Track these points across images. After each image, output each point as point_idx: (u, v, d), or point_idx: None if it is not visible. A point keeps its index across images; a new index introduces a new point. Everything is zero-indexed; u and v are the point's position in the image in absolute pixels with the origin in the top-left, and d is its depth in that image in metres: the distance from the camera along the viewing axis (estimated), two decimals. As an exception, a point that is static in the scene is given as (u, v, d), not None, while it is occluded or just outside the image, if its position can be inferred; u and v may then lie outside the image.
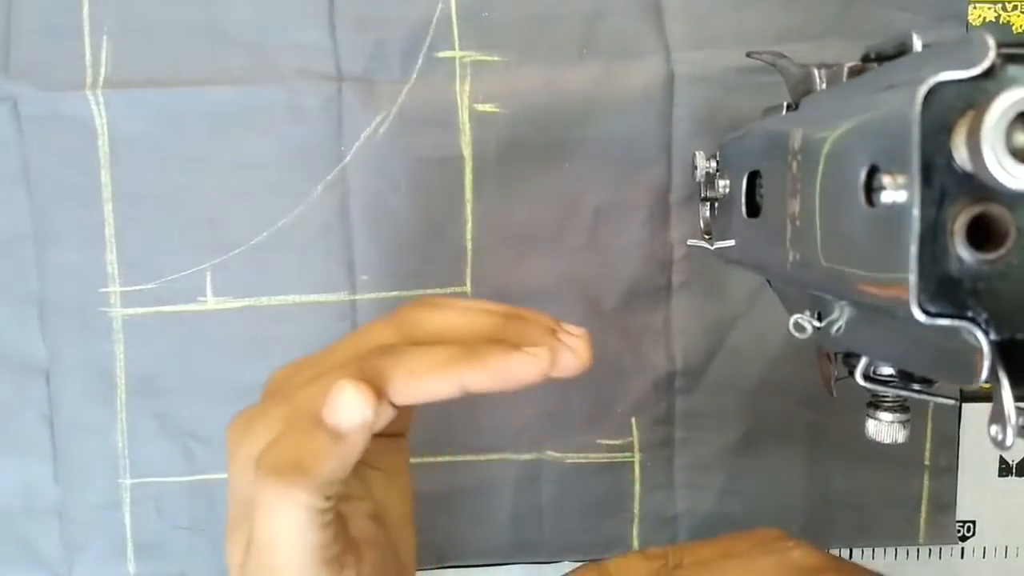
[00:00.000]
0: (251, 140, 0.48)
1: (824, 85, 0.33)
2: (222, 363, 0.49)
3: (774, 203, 0.32)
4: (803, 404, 0.50)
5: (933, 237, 0.21)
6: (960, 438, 0.51)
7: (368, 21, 0.48)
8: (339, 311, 0.49)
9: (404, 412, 0.30)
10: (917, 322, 0.21)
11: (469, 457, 0.51)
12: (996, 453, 0.51)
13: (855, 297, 0.26)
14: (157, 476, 0.50)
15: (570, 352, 0.30)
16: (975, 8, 0.49)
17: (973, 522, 0.52)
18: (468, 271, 0.49)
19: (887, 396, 0.33)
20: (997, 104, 0.19)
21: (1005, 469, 0.52)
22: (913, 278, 0.21)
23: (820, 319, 0.32)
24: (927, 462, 0.51)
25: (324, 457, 0.27)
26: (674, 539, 0.51)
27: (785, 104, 0.35)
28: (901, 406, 0.33)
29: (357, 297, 0.49)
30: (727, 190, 0.39)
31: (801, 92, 0.34)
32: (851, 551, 0.52)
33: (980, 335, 0.21)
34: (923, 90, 0.21)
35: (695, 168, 0.42)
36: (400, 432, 0.35)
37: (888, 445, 0.33)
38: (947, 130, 0.21)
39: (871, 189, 0.23)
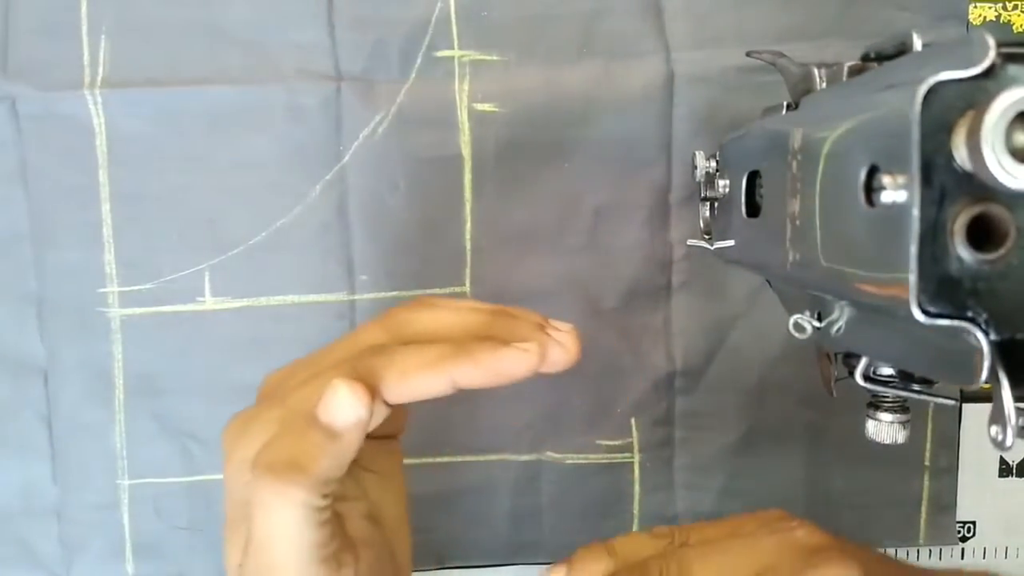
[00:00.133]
0: (250, 140, 0.48)
1: (824, 85, 0.33)
2: (221, 363, 0.49)
3: (774, 203, 0.32)
4: (803, 404, 0.50)
5: (933, 237, 0.21)
6: (960, 438, 0.51)
7: (367, 21, 0.48)
8: (338, 311, 0.49)
9: (397, 414, 0.31)
10: (917, 322, 0.21)
11: (469, 458, 0.50)
12: (996, 453, 0.51)
13: (855, 297, 0.26)
14: (155, 476, 0.50)
15: (559, 347, 0.31)
16: (975, 7, 0.49)
17: (973, 523, 0.52)
18: (467, 271, 0.49)
19: (887, 396, 0.33)
20: (997, 104, 0.19)
21: (1005, 469, 0.52)
22: (913, 278, 0.21)
23: (820, 319, 0.32)
24: (927, 463, 0.51)
25: (320, 455, 0.28)
26: (674, 539, 0.51)
27: (785, 104, 0.35)
28: (901, 406, 0.33)
29: (356, 297, 0.49)
30: (727, 190, 0.39)
31: (801, 92, 0.34)
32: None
33: (980, 335, 0.21)
34: (923, 89, 0.21)
35: (695, 168, 0.42)
36: (393, 434, 0.35)
37: (888, 445, 0.33)
38: (947, 130, 0.21)
39: (871, 189, 0.23)
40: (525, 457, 0.51)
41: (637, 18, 0.48)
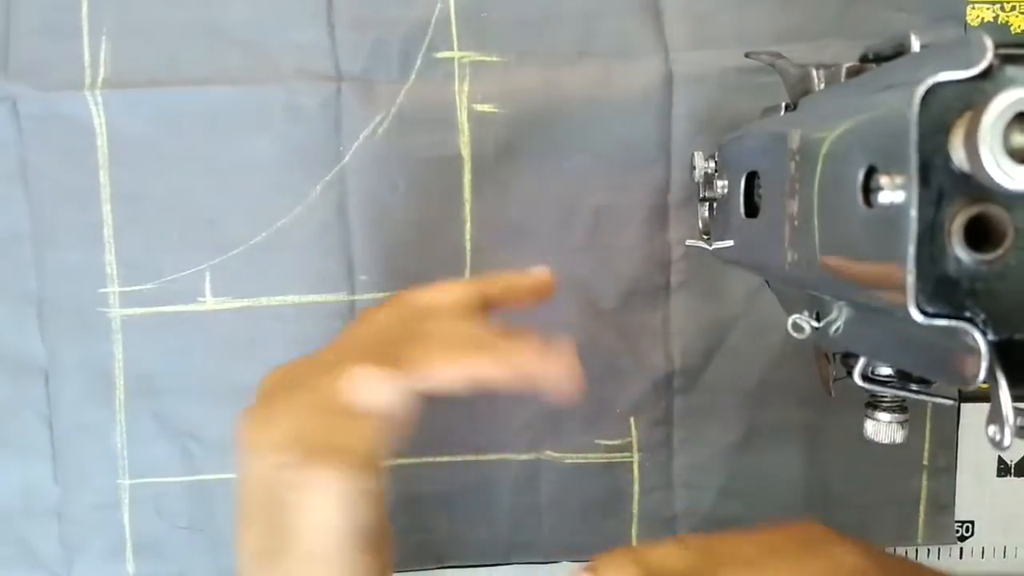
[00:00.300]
0: (250, 140, 0.48)
1: (822, 85, 0.33)
2: (221, 363, 0.49)
3: (772, 203, 0.32)
4: (802, 404, 0.50)
5: (931, 237, 0.21)
6: (958, 438, 0.51)
7: (367, 21, 0.48)
8: (338, 311, 0.49)
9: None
10: (915, 322, 0.21)
11: (468, 457, 0.51)
12: (994, 453, 0.51)
13: (853, 297, 0.26)
14: (156, 476, 0.50)
15: (569, 375, 0.32)
16: (973, 8, 0.49)
17: (972, 522, 0.52)
18: (467, 271, 0.49)
19: (885, 396, 0.33)
20: (995, 105, 0.19)
21: (1004, 469, 0.52)
22: (911, 278, 0.21)
23: (818, 319, 0.32)
24: (925, 462, 0.51)
25: (365, 438, 0.28)
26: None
27: (784, 104, 0.35)
28: (899, 406, 0.33)
29: (356, 297, 0.49)
30: (726, 190, 0.39)
31: (800, 92, 0.34)
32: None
33: (978, 335, 0.21)
34: (921, 90, 0.21)
35: (694, 168, 0.42)
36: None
37: (886, 445, 0.34)
38: (945, 131, 0.21)
39: (869, 189, 0.23)
40: (524, 457, 0.51)
41: (636, 19, 0.48)
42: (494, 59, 0.48)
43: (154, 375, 0.49)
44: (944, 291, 0.21)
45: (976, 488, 0.52)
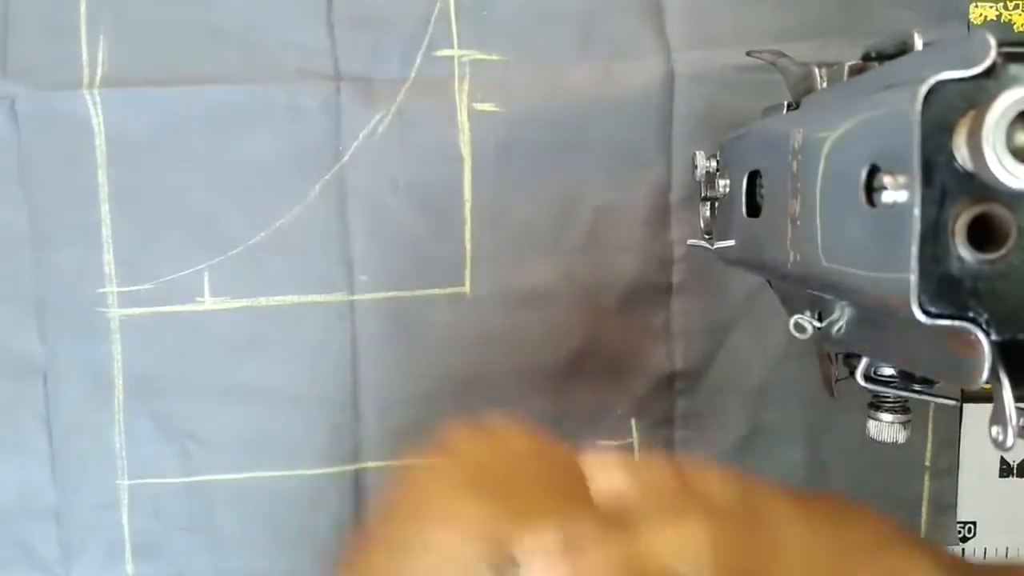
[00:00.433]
0: (249, 140, 0.48)
1: (825, 84, 0.33)
2: (220, 363, 0.49)
3: (774, 203, 0.32)
4: (803, 405, 0.50)
5: (934, 237, 0.21)
6: (961, 439, 0.51)
7: (366, 20, 0.48)
8: (338, 311, 0.49)
9: None
10: (918, 322, 0.21)
11: (468, 458, 0.50)
12: (997, 454, 0.51)
13: (855, 297, 0.26)
14: (155, 477, 0.50)
15: None
16: (976, 7, 0.49)
17: (974, 523, 0.52)
18: (467, 271, 0.49)
19: (888, 396, 0.33)
20: (998, 103, 0.19)
21: (1006, 470, 0.52)
22: (914, 278, 0.21)
23: (821, 319, 0.32)
24: (928, 463, 0.51)
25: None
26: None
27: (785, 103, 0.35)
28: (902, 406, 0.33)
29: (356, 297, 0.49)
30: (727, 190, 0.39)
31: (802, 91, 0.34)
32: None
33: (981, 335, 0.21)
34: (924, 89, 0.20)
35: (695, 168, 0.42)
36: None
37: (889, 445, 0.33)
38: (948, 130, 0.20)
39: (872, 189, 0.23)
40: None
41: (637, 18, 0.48)
42: (494, 58, 0.48)
43: (153, 375, 0.49)
44: (947, 291, 0.21)
45: (978, 489, 0.52)
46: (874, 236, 0.23)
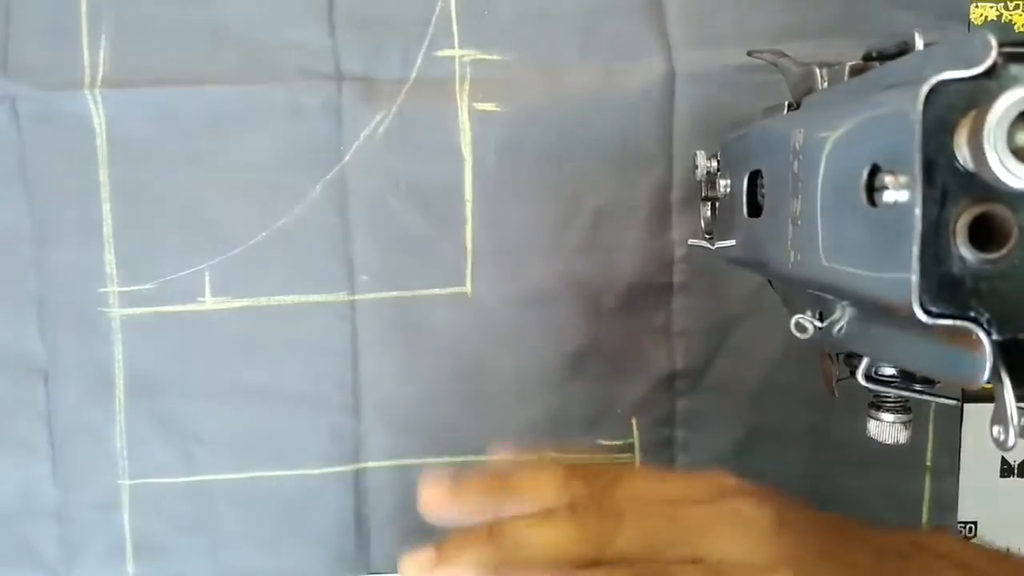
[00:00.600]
0: (250, 140, 0.48)
1: (825, 84, 0.33)
2: (221, 363, 0.49)
3: (775, 203, 0.32)
4: (804, 404, 0.50)
5: (935, 237, 0.21)
6: (962, 439, 0.51)
7: (368, 20, 0.48)
8: (338, 311, 0.49)
9: None
10: (919, 322, 0.21)
11: (470, 458, 0.50)
12: (998, 454, 0.51)
13: (856, 297, 0.26)
14: (156, 477, 0.50)
15: None
16: (976, 7, 0.49)
17: (975, 523, 0.52)
18: (468, 271, 0.49)
19: (889, 396, 0.33)
20: (999, 103, 0.19)
21: (1007, 470, 0.52)
22: (915, 278, 0.21)
23: (822, 319, 0.32)
24: (928, 463, 0.51)
25: None
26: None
27: (786, 103, 0.35)
28: (903, 406, 0.33)
29: (356, 297, 0.49)
30: (728, 189, 0.39)
31: (802, 91, 0.34)
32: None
33: (982, 335, 0.21)
34: (925, 89, 0.20)
35: (696, 167, 0.42)
36: None
37: (889, 446, 0.33)
38: (949, 130, 0.20)
39: (873, 189, 0.23)
40: (526, 457, 0.50)
41: (638, 17, 0.48)
42: (495, 58, 0.48)
43: (154, 375, 0.49)
44: (948, 291, 0.21)
45: (979, 489, 0.52)
46: (875, 236, 0.23)
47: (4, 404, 0.49)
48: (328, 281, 0.49)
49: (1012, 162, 0.19)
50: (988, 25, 0.49)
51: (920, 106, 0.20)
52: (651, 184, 0.49)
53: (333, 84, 0.48)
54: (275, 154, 0.48)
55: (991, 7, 0.49)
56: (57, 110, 0.47)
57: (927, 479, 0.51)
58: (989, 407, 0.22)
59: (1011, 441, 0.22)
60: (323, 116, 0.48)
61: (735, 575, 0.27)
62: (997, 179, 0.19)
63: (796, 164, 0.29)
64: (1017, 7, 0.49)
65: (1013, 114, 0.19)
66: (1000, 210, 0.21)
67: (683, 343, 0.50)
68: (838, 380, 0.35)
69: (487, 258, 0.49)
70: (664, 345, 0.50)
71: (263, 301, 0.49)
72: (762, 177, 0.35)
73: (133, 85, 0.47)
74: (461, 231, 0.49)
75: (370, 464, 0.50)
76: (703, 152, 0.42)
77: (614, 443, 0.50)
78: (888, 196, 0.22)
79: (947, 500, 0.51)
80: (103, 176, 0.48)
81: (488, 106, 0.48)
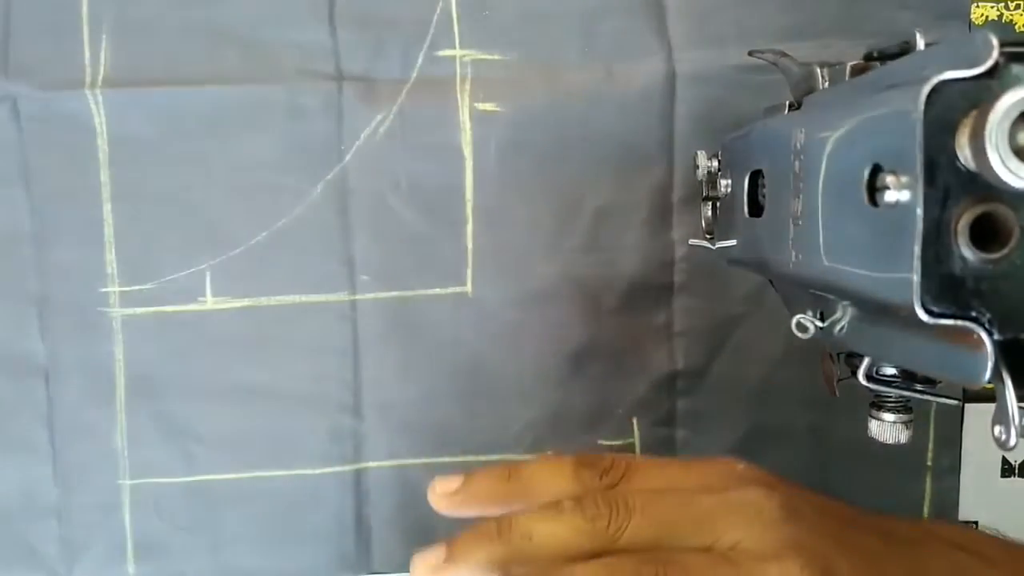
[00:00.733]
0: (251, 140, 0.48)
1: (826, 84, 0.33)
2: (222, 363, 0.49)
3: (776, 203, 0.32)
4: (805, 404, 0.50)
5: (936, 237, 0.21)
6: (963, 439, 0.51)
7: (368, 20, 0.48)
8: (339, 311, 0.49)
9: None
10: (920, 322, 0.21)
11: (470, 457, 0.50)
12: (999, 454, 0.51)
13: (858, 297, 0.26)
14: (156, 477, 0.50)
15: None
16: (977, 7, 0.49)
17: (975, 523, 0.52)
18: (468, 271, 0.49)
19: (890, 396, 0.33)
20: (1001, 103, 0.19)
21: (1008, 470, 0.52)
22: (916, 278, 0.21)
23: (823, 319, 0.32)
24: (929, 463, 0.51)
25: None
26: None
27: (787, 103, 0.35)
28: (904, 406, 0.33)
29: (357, 297, 0.49)
30: (729, 189, 0.39)
31: (803, 91, 0.34)
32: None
33: (984, 335, 0.21)
34: (926, 89, 0.20)
35: (697, 167, 0.42)
36: None
37: (890, 445, 0.33)
38: (950, 129, 0.20)
39: (874, 188, 0.23)
40: (527, 457, 0.50)
41: (639, 17, 0.48)
42: (496, 58, 0.48)
43: (154, 375, 0.49)
44: (950, 290, 0.21)
45: (980, 489, 0.51)
46: (876, 236, 0.23)
47: (4, 404, 0.49)
48: (329, 281, 0.49)
49: (1014, 162, 0.19)
50: (989, 25, 0.49)
51: (921, 106, 0.20)
52: (652, 184, 0.49)
53: (334, 84, 0.48)
54: (276, 154, 0.48)
55: (992, 7, 0.49)
56: (58, 110, 0.47)
57: (928, 479, 0.51)
58: (990, 407, 0.22)
59: (1012, 441, 0.22)
60: (324, 116, 0.48)
61: (745, 562, 0.27)
62: (998, 179, 0.19)
63: (797, 164, 0.29)
64: (1018, 7, 0.49)
65: (1015, 114, 0.19)
66: (1001, 210, 0.21)
67: (683, 343, 0.50)
68: (839, 380, 0.35)
69: (488, 258, 0.49)
70: (665, 345, 0.50)
71: (264, 301, 0.49)
72: (763, 177, 0.35)
73: (134, 85, 0.47)
74: (462, 231, 0.49)
75: (371, 464, 0.50)
76: (704, 152, 0.42)
77: (614, 443, 0.50)
78: (889, 196, 0.22)
79: (948, 500, 0.51)
80: (104, 176, 0.48)
81: (489, 106, 0.48)
